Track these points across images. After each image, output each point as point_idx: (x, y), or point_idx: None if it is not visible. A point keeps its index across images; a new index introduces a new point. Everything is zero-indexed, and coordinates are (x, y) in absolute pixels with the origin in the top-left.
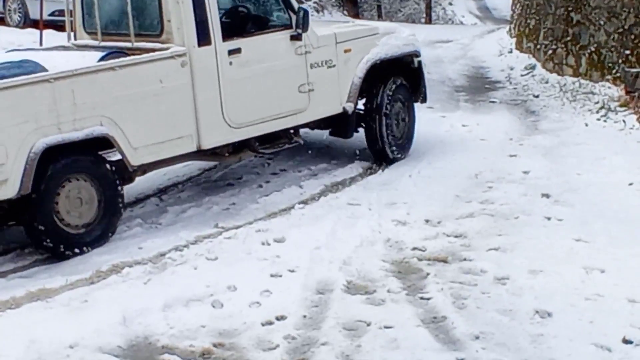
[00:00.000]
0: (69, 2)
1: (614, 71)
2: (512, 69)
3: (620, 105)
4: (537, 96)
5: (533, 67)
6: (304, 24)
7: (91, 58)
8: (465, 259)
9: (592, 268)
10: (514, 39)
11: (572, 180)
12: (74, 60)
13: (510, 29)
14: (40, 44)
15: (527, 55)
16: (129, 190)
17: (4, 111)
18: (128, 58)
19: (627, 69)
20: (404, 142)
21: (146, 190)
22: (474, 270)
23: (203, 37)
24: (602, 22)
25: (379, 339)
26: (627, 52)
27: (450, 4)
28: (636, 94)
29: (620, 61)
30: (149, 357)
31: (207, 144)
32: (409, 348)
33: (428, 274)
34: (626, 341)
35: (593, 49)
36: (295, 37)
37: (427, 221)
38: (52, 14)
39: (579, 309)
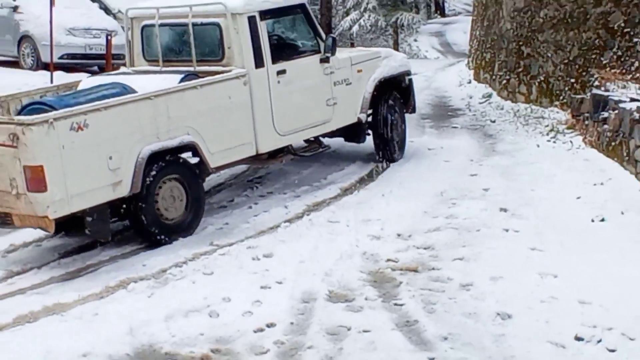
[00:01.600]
0: (128, 36)
1: (561, 98)
2: (471, 97)
3: (568, 128)
4: (493, 121)
5: (489, 96)
6: (332, 49)
7: (172, 80)
8: (433, 269)
9: (546, 274)
10: (472, 71)
11: (527, 195)
12: (156, 82)
13: (468, 62)
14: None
15: (484, 85)
16: None
17: (119, 124)
18: (207, 78)
19: (572, 96)
20: (402, 145)
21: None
22: (441, 278)
23: (258, 61)
24: (549, 55)
25: (358, 342)
26: (572, 80)
27: (415, 40)
28: (581, 117)
29: (566, 89)
30: None
31: (262, 149)
32: (386, 350)
33: (401, 283)
34: (578, 338)
35: (542, 79)
36: (324, 60)
37: (398, 235)
38: (61, 58)
39: (535, 310)
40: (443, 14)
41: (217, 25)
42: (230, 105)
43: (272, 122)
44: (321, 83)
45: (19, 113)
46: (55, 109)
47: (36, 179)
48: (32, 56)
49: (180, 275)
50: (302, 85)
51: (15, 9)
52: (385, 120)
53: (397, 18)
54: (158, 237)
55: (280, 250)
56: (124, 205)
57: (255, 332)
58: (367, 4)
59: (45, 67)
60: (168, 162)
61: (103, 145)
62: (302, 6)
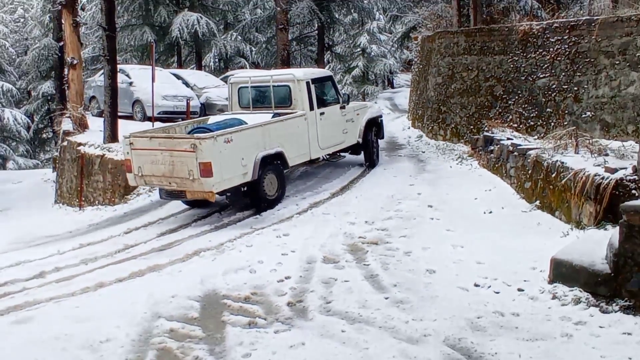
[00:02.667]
0: (229, 93)
1: (465, 137)
2: (409, 137)
3: (469, 156)
4: (424, 152)
5: (421, 136)
6: (347, 101)
7: (266, 116)
8: (387, 242)
9: (456, 245)
10: (411, 121)
11: (444, 197)
12: (258, 117)
13: (408, 116)
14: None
15: (418, 130)
16: (201, 208)
17: (247, 139)
18: (286, 116)
19: (472, 136)
20: (378, 156)
21: (213, 209)
22: (392, 248)
23: (311, 107)
24: (457, 111)
25: (341, 287)
26: (472, 127)
27: (376, 102)
28: (477, 149)
29: (468, 132)
30: (216, 301)
31: (312, 157)
32: (358, 292)
33: (367, 251)
34: (476, 285)
35: (453, 126)
36: (342, 107)
37: (366, 222)
38: (158, 114)
39: (450, 268)
40: (392, 87)
41: (288, 86)
42: (298, 131)
43: (317, 141)
44: (340, 120)
45: (190, 132)
46: (212, 131)
47: (206, 170)
48: (141, 113)
49: (232, 247)
50: (331, 121)
51: (130, 84)
52: (370, 142)
53: (364, 89)
54: (264, 205)
55: (294, 231)
56: (245, 188)
57: (278, 282)
58: (346, 80)
59: (149, 119)
60: (269, 162)
61: (239, 152)
62: (331, 76)
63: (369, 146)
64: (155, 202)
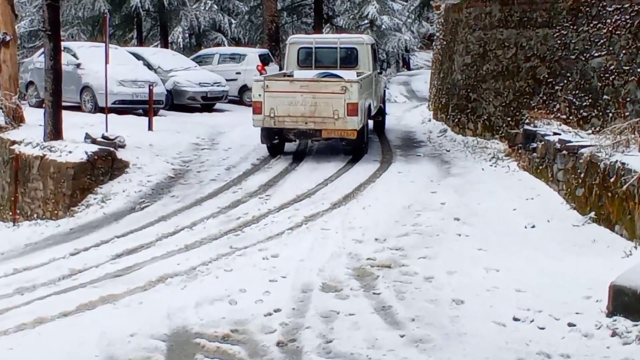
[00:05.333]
0: (288, 52)
1: (500, 132)
2: (431, 132)
3: (506, 155)
4: (448, 151)
5: (445, 131)
6: (384, 67)
7: (351, 74)
8: (403, 265)
9: (490, 268)
10: (432, 112)
11: (474, 207)
12: (341, 74)
13: (429, 105)
14: (106, 124)
15: (441, 122)
16: (171, 224)
17: (365, 89)
18: (366, 74)
19: (509, 131)
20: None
21: (182, 223)
22: (409, 272)
23: (374, 67)
24: (491, 99)
25: (345, 323)
26: (509, 119)
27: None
28: (516, 147)
29: (504, 125)
30: (186, 340)
31: (372, 114)
32: (367, 329)
33: (378, 276)
34: (515, 319)
35: (485, 117)
36: (379, 72)
37: (376, 239)
38: (113, 103)
39: (482, 297)
40: (409, 68)
41: (356, 49)
42: (372, 88)
43: (373, 99)
44: (379, 84)
45: (322, 76)
46: (342, 77)
47: (353, 109)
48: (91, 102)
49: (207, 271)
50: (376, 83)
51: (78, 65)
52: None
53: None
54: (364, 149)
55: (285, 251)
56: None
57: (265, 315)
58: None
59: (101, 110)
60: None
61: (363, 98)
62: (375, 43)
63: (383, 114)
64: (110, 215)
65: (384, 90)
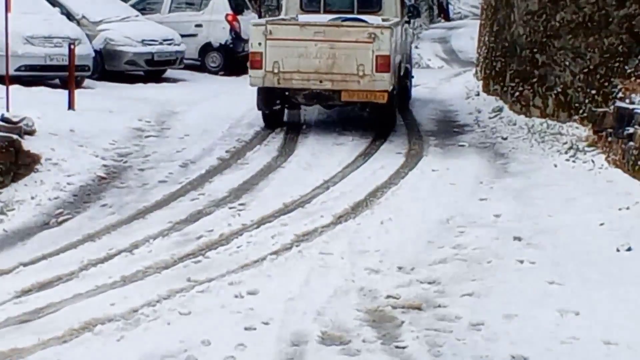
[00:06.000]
0: None
1: (580, 111)
2: (479, 111)
3: (589, 145)
4: (505, 138)
5: (500, 110)
6: (416, 14)
7: (376, 19)
8: (439, 306)
9: (566, 311)
10: (481, 82)
11: (543, 222)
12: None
13: (476, 72)
14: (7, 101)
15: (494, 97)
16: (102, 246)
17: (395, 40)
18: (394, 21)
19: (594, 109)
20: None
21: (117, 245)
22: (448, 316)
23: (401, 14)
24: (567, 63)
25: None
26: (593, 92)
27: (417, 47)
28: (604, 133)
29: (586, 101)
30: None
31: (400, 74)
32: None
33: (403, 322)
34: None
35: (559, 90)
36: (407, 22)
37: (400, 268)
38: (18, 70)
39: (555, 353)
40: (447, 18)
41: None
42: (400, 40)
43: (404, 50)
44: (408, 35)
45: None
46: (366, 22)
47: (384, 64)
48: None
49: (154, 315)
50: (406, 30)
51: None
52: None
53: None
54: (392, 123)
55: (267, 286)
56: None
57: None
58: None
59: (0, 80)
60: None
61: (395, 52)
62: None
63: (408, 78)
64: (12, 233)
65: (411, 47)
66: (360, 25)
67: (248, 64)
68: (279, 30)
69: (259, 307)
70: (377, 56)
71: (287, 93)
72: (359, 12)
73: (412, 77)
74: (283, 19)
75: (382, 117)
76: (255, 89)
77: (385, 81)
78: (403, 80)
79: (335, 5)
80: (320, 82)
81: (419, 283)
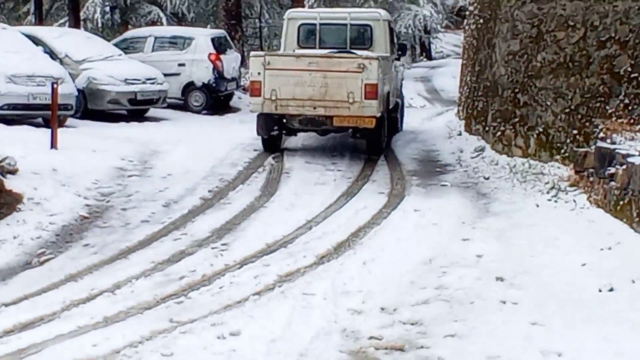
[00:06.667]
0: (286, 29)
1: (562, 151)
2: (461, 151)
3: (571, 185)
4: (487, 178)
5: (482, 149)
6: (404, 52)
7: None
8: (422, 347)
9: (549, 351)
10: (463, 121)
11: (526, 262)
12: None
13: (458, 111)
14: None
15: (476, 137)
16: (84, 287)
17: (384, 71)
18: (383, 55)
19: (575, 149)
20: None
21: (99, 286)
22: (431, 358)
23: (392, 50)
24: (549, 103)
25: None
26: (575, 132)
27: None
28: (585, 173)
29: (568, 141)
30: None
31: (390, 106)
32: None
33: None
34: None
35: (541, 130)
36: (397, 58)
37: (382, 309)
38: (0, 108)
39: None
40: (429, 57)
41: (370, 26)
42: (390, 74)
43: (391, 89)
44: (398, 71)
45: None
46: (356, 53)
47: (372, 92)
48: None
49: (136, 356)
50: (396, 66)
51: None
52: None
53: None
54: (382, 148)
55: (249, 327)
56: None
57: None
58: None
59: None
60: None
61: (383, 82)
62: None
63: (402, 108)
64: None
65: (401, 83)
66: (351, 56)
67: (248, 92)
68: (276, 61)
69: (241, 348)
70: (365, 84)
71: (284, 119)
72: (351, 49)
73: (403, 112)
74: (279, 52)
75: (371, 141)
76: (241, 126)
77: (373, 107)
78: (393, 113)
79: (330, 42)
80: (314, 108)
81: (402, 324)
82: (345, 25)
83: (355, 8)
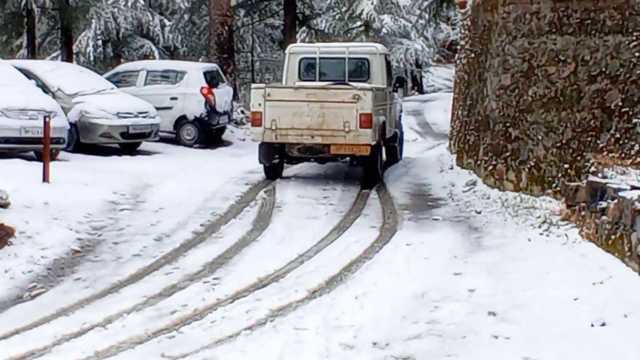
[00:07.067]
0: (288, 63)
1: (554, 185)
2: (453, 185)
3: (562, 219)
4: (479, 212)
5: (474, 183)
6: (402, 85)
7: (366, 87)
8: None
9: None
10: (455, 155)
11: (518, 296)
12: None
13: (450, 145)
14: None
15: (467, 171)
16: (76, 321)
17: (378, 101)
18: (377, 86)
19: (566, 183)
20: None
21: (91, 320)
22: None
23: (389, 82)
24: (540, 137)
25: None
26: (566, 166)
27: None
28: (577, 207)
29: (559, 175)
30: None
31: (387, 136)
32: None
33: None
34: None
35: (533, 164)
36: (394, 90)
37: (374, 344)
38: None
39: None
40: (421, 91)
41: (367, 59)
42: (386, 105)
43: (388, 120)
44: (395, 103)
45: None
46: (349, 84)
47: (367, 121)
48: None
49: None
50: (393, 97)
51: None
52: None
53: None
54: (378, 178)
55: None
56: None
57: None
58: None
59: None
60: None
61: (377, 112)
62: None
63: (402, 139)
64: None
65: (400, 115)
66: (346, 87)
67: (240, 126)
68: (276, 93)
69: None
70: (360, 114)
71: (284, 148)
72: (349, 81)
73: (403, 142)
74: (279, 84)
75: (367, 169)
76: (233, 159)
77: (368, 136)
78: (393, 142)
79: (329, 75)
80: (312, 137)
81: (394, 359)
82: (344, 58)
83: (353, 42)
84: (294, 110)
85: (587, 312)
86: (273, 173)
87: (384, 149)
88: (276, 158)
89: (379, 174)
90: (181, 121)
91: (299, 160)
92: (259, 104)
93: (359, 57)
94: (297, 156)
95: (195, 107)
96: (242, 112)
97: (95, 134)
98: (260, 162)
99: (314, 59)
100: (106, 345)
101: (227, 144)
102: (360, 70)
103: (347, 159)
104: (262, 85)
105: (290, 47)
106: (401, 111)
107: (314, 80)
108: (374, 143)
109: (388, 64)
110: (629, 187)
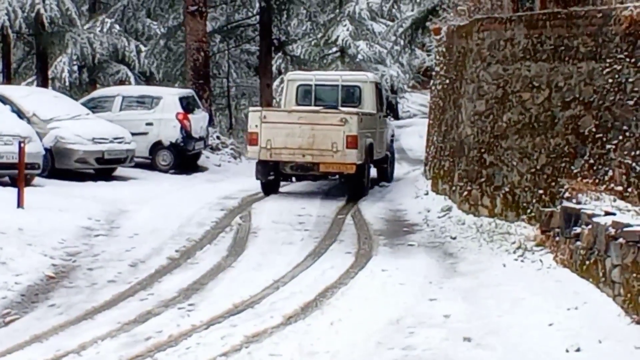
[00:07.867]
0: (286, 89)
1: (528, 211)
2: (428, 211)
3: (537, 245)
4: (454, 238)
5: (449, 209)
6: (393, 110)
7: (353, 111)
8: None
9: None
10: (430, 181)
11: (493, 322)
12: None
13: (425, 171)
14: None
15: (442, 196)
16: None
17: (365, 125)
18: (366, 111)
19: (541, 209)
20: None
21: (65, 346)
22: None
23: (379, 108)
24: (514, 163)
25: None
26: (541, 191)
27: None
28: (551, 233)
29: (534, 201)
30: None
31: (375, 157)
32: None
33: None
34: None
35: (507, 190)
36: (385, 115)
37: None
38: None
39: None
40: (396, 117)
41: (359, 87)
42: (376, 129)
43: (377, 144)
44: (385, 128)
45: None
46: (338, 108)
47: (352, 142)
48: None
49: None
50: (384, 122)
51: None
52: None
53: None
54: (366, 191)
55: None
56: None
57: None
58: None
59: None
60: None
61: (363, 135)
62: (380, 83)
63: (392, 160)
64: None
65: (392, 139)
66: (334, 111)
67: (246, 142)
68: (271, 115)
69: None
70: (347, 136)
71: (278, 166)
72: (342, 107)
73: (394, 164)
74: (274, 108)
75: (353, 185)
76: (208, 185)
77: (353, 155)
78: (383, 164)
79: (324, 101)
80: (303, 156)
81: None
82: (337, 86)
83: (346, 71)
84: (287, 131)
85: (562, 337)
86: (269, 189)
87: (374, 169)
88: (271, 175)
89: (365, 190)
90: (157, 147)
91: (291, 177)
92: (256, 125)
93: (352, 85)
94: (290, 173)
95: (170, 133)
96: (218, 137)
97: (71, 160)
98: (257, 179)
99: (310, 85)
100: None
101: (202, 169)
102: (352, 96)
103: (337, 176)
104: (259, 108)
105: (289, 75)
106: (393, 135)
107: (310, 105)
108: (359, 162)
109: (379, 92)
110: (602, 213)
